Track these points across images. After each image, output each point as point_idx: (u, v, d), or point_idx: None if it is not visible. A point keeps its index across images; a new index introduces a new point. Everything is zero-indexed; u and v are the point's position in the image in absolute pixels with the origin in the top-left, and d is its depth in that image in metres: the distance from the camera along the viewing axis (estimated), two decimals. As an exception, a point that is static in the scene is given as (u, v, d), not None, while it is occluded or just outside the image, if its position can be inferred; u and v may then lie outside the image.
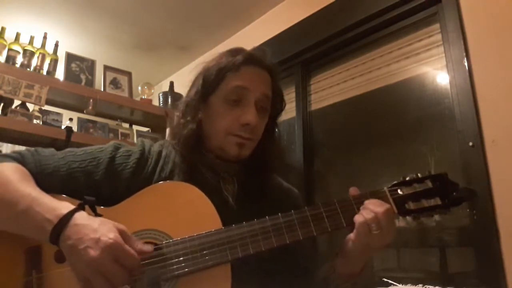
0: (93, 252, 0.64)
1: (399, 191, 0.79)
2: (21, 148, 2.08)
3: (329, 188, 1.94)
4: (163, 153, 0.91)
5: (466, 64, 1.39)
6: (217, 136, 0.89)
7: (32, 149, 0.85)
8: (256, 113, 0.88)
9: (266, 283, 0.83)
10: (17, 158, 0.81)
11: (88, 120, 2.39)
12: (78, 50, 2.52)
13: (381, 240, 0.74)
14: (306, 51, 2.09)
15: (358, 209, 0.77)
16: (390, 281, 0.71)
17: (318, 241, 1.04)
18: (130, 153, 0.88)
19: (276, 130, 1.00)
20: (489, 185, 1.25)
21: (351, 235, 0.76)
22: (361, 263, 0.80)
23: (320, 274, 0.86)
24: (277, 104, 0.98)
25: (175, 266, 0.72)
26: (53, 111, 2.28)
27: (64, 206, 0.70)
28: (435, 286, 0.65)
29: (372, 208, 0.74)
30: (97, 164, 0.84)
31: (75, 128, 2.21)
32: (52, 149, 0.87)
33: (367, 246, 0.75)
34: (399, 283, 0.69)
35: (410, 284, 0.68)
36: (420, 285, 0.67)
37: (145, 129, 2.80)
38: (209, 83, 0.90)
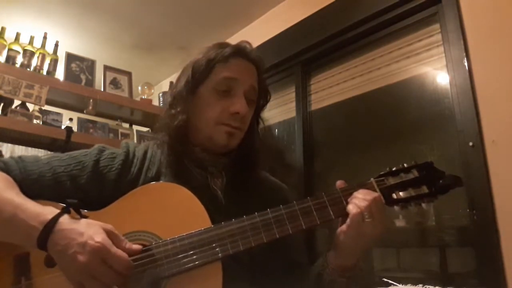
0: (81, 258, 0.64)
1: (385, 181, 0.80)
2: (21, 148, 2.08)
3: (329, 188, 1.93)
4: (149, 154, 0.92)
5: (466, 64, 1.38)
6: (207, 126, 0.90)
7: (16, 156, 0.85)
8: (245, 103, 0.89)
9: (258, 280, 0.83)
10: (0, 166, 0.80)
11: (88, 120, 2.39)
12: (78, 50, 2.52)
13: (373, 229, 0.74)
14: (306, 51, 2.09)
15: (346, 201, 0.77)
16: (390, 281, 0.71)
17: (316, 237, 1.04)
18: (115, 155, 0.88)
19: (261, 122, 1.02)
20: (489, 185, 1.25)
21: (343, 227, 0.76)
22: (354, 255, 0.80)
23: (314, 270, 0.86)
24: (262, 98, 1.00)
25: (165, 266, 0.72)
26: (53, 111, 2.28)
27: (48, 211, 0.70)
28: (435, 286, 0.65)
29: (363, 197, 0.75)
30: (82, 168, 0.84)
31: (75, 128, 2.21)
32: (36, 155, 0.87)
33: (359, 235, 0.75)
34: (399, 283, 0.70)
35: (410, 284, 0.68)
36: (420, 285, 0.67)
37: (145, 129, 2.79)
38: (199, 74, 0.91)
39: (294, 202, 0.78)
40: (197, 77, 0.91)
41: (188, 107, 0.91)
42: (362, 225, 0.73)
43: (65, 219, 0.69)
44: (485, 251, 1.25)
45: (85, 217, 0.72)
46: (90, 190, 0.82)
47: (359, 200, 0.75)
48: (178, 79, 0.97)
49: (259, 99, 0.98)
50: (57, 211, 0.70)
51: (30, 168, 0.82)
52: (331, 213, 0.77)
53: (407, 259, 1.63)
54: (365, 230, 0.74)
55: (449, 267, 1.45)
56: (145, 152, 0.92)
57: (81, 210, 0.73)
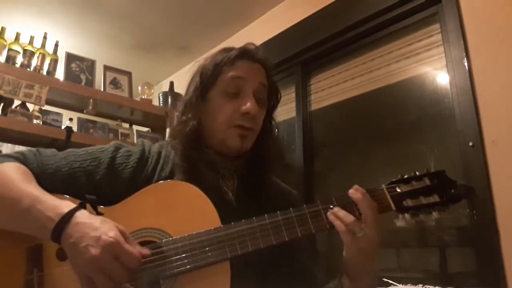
0: (94, 251, 0.64)
1: (397, 188, 0.80)
2: (21, 148, 2.08)
3: (329, 188, 1.94)
4: (163, 153, 0.92)
5: (466, 64, 1.39)
6: (219, 130, 0.90)
7: (34, 149, 0.86)
8: (255, 101, 0.89)
9: (266, 281, 0.84)
10: (19, 158, 0.82)
11: (88, 120, 2.39)
12: (78, 50, 2.52)
13: (369, 243, 0.74)
14: (306, 51, 2.09)
15: (356, 207, 0.77)
16: (390, 281, 0.72)
17: (317, 239, 1.04)
18: (131, 153, 0.89)
19: (273, 123, 1.01)
20: (489, 185, 1.25)
21: (343, 252, 0.77)
22: (365, 275, 0.79)
23: None
24: (273, 98, 0.99)
25: (174, 264, 0.72)
26: (53, 111, 2.28)
27: (65, 204, 0.71)
28: (435, 286, 0.65)
29: (342, 215, 0.76)
30: (98, 164, 0.85)
31: (75, 128, 2.21)
32: (54, 150, 0.88)
33: (359, 251, 0.75)
34: (399, 283, 0.70)
35: (410, 284, 0.68)
36: (420, 285, 0.67)
37: (145, 129, 2.80)
38: (207, 79, 0.92)
39: (304, 205, 0.78)
40: (205, 82, 0.92)
41: (199, 112, 0.91)
42: (356, 241, 0.74)
43: (81, 213, 0.70)
44: (485, 251, 1.25)
45: (101, 214, 0.74)
46: (104, 186, 0.83)
47: (340, 219, 0.75)
48: (188, 86, 0.97)
49: (270, 99, 0.97)
50: (74, 205, 0.71)
51: (48, 162, 0.83)
52: None
53: (407, 259, 1.63)
54: (361, 245, 0.74)
55: (449, 267, 1.45)
56: (160, 152, 0.93)
57: (97, 207, 0.74)
